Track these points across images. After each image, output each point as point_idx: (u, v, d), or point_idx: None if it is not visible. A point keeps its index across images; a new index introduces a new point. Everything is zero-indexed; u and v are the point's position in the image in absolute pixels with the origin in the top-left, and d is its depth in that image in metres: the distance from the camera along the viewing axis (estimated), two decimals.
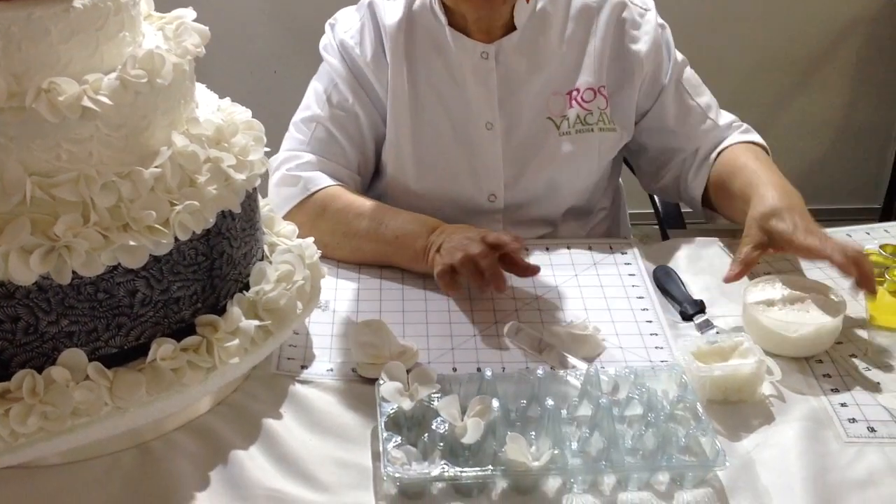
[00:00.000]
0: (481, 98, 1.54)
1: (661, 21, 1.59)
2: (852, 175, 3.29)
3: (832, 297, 1.28)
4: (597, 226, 1.67)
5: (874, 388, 1.18)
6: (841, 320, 1.25)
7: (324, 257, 1.36)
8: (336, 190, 1.51)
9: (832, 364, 1.22)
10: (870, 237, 1.51)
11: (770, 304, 1.28)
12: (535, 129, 1.56)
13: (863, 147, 3.25)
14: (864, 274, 1.25)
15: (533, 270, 1.36)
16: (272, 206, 1.42)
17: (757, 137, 1.59)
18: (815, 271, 1.41)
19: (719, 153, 1.55)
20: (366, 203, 1.49)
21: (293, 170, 1.52)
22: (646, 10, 1.58)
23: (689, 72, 1.61)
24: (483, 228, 1.39)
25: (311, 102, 1.58)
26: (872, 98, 3.18)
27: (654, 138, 1.61)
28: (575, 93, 1.55)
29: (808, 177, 3.26)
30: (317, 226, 1.45)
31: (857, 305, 1.30)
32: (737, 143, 1.56)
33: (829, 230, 1.52)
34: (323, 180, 1.52)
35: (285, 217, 1.47)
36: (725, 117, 1.61)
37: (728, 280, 1.32)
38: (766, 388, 1.17)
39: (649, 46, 1.55)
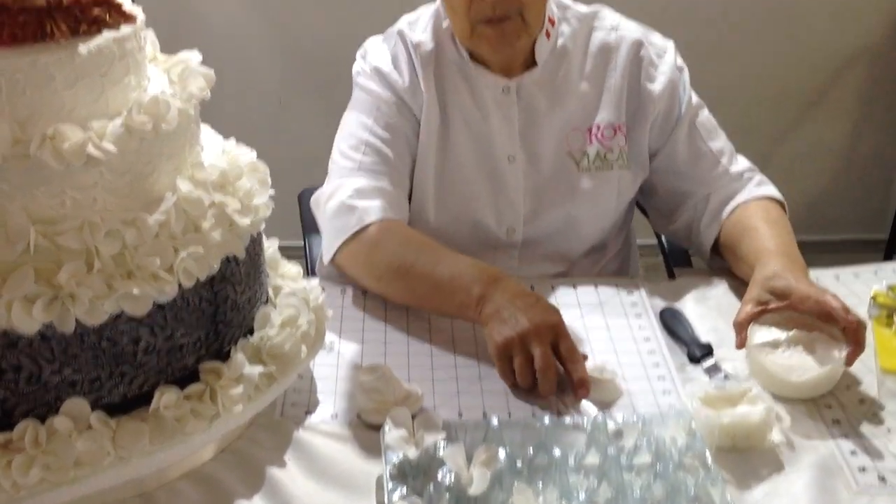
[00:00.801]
0: (503, 131, 1.55)
1: (680, 63, 1.58)
2: (858, 206, 3.28)
3: (837, 336, 1.26)
4: (608, 263, 1.67)
5: (884, 435, 1.17)
6: (844, 362, 1.23)
7: (367, 293, 1.39)
8: (394, 224, 1.47)
9: (841, 409, 1.21)
10: (877, 277, 1.50)
11: (775, 345, 1.27)
12: (556, 164, 1.56)
13: (868, 178, 3.25)
14: (857, 342, 1.22)
15: (582, 390, 1.23)
16: (325, 238, 1.42)
17: (773, 191, 1.56)
18: None
19: (733, 210, 1.52)
20: (424, 239, 1.45)
21: (347, 200, 1.47)
22: (664, 50, 1.58)
23: (704, 115, 1.60)
24: (549, 311, 1.30)
25: (355, 129, 1.55)
26: (877, 128, 3.18)
27: (665, 180, 1.60)
28: (595, 129, 1.56)
29: (814, 208, 3.26)
30: (371, 259, 1.43)
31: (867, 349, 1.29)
32: (752, 198, 1.53)
33: (836, 271, 1.52)
34: (379, 212, 1.46)
35: (339, 249, 1.45)
36: (740, 164, 1.58)
37: (738, 347, 1.29)
38: (776, 435, 1.15)
39: (664, 86, 1.55)
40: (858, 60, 3.07)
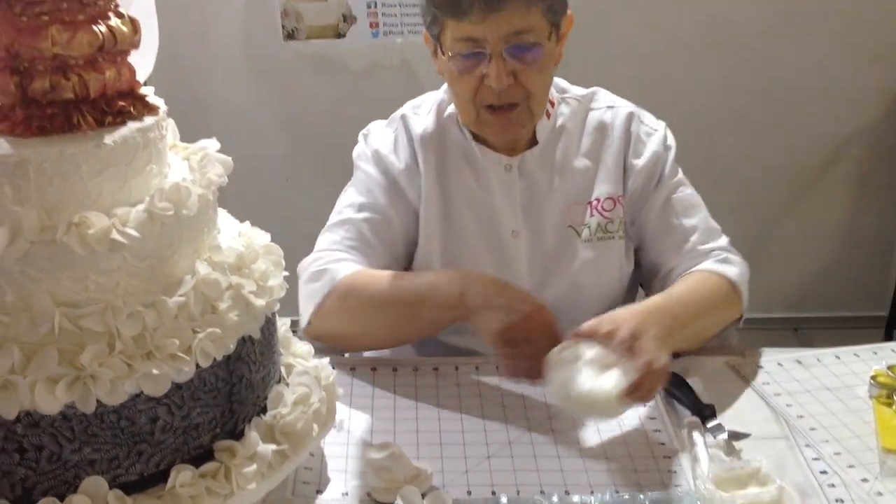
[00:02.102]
0: (507, 207, 1.60)
1: (669, 142, 1.65)
2: (858, 283, 3.32)
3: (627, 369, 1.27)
4: None
5: None
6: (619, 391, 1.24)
7: (356, 349, 1.44)
8: (360, 272, 1.53)
9: (844, 488, 1.22)
10: (877, 357, 1.52)
11: (573, 360, 1.30)
12: (558, 237, 1.61)
13: (868, 255, 3.29)
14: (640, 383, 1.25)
15: None
16: (301, 305, 1.45)
17: (728, 269, 1.55)
18: None
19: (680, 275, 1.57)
20: (388, 272, 1.53)
21: (321, 265, 1.54)
22: (654, 130, 1.65)
23: (685, 193, 1.64)
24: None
25: (344, 207, 1.62)
26: (876, 207, 3.24)
27: (640, 251, 1.66)
28: (595, 202, 1.61)
29: (814, 285, 3.29)
30: (346, 307, 1.48)
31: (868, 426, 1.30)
32: (698, 269, 1.55)
33: (836, 350, 1.54)
34: (349, 268, 1.53)
35: (315, 312, 1.50)
36: (713, 244, 1.60)
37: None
38: None
39: (646, 161, 1.61)
40: (856, 140, 3.14)
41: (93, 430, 1.03)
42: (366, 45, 2.97)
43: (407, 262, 1.65)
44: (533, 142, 1.61)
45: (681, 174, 1.66)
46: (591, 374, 1.27)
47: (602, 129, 1.63)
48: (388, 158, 1.62)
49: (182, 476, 1.08)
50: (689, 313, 1.44)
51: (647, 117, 1.67)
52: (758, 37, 2.99)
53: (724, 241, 1.62)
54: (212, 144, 1.24)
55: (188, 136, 1.27)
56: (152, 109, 1.14)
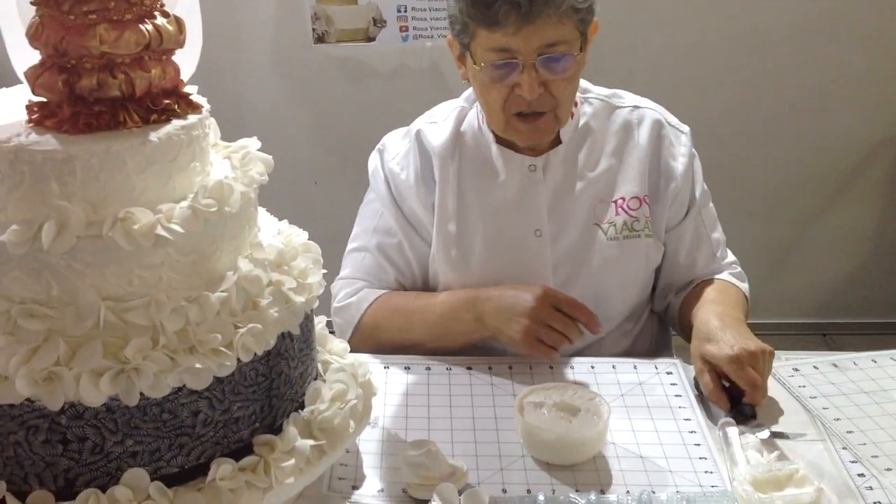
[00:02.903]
0: (530, 208, 1.61)
1: (693, 150, 1.66)
2: (887, 289, 3.29)
3: (595, 416, 1.30)
4: (643, 332, 1.71)
5: None
6: (588, 436, 1.28)
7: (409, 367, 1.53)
8: (381, 301, 1.62)
9: (882, 491, 1.22)
10: (894, 362, 1.52)
11: (540, 405, 1.33)
12: (583, 235, 1.62)
13: None
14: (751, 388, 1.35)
15: (595, 326, 1.49)
16: (337, 332, 1.55)
17: (743, 285, 1.67)
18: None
19: (696, 284, 1.64)
20: (406, 301, 1.62)
21: (343, 300, 1.66)
22: (682, 132, 1.66)
23: (710, 206, 1.69)
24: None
25: (360, 232, 1.70)
26: None
27: (667, 257, 1.67)
28: (620, 201, 1.62)
29: (843, 290, 3.27)
30: (376, 341, 1.59)
31: None
32: (723, 279, 1.64)
33: (872, 354, 1.54)
34: (369, 296, 1.62)
35: (349, 341, 1.56)
36: (729, 257, 1.71)
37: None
38: None
39: (685, 167, 1.63)
40: (886, 145, 3.12)
41: (135, 422, 1.04)
42: (395, 48, 2.98)
43: (423, 272, 1.68)
44: (556, 141, 1.62)
45: (704, 184, 1.69)
46: (559, 419, 1.31)
47: (627, 128, 1.64)
48: (398, 177, 1.65)
49: (222, 469, 1.09)
50: (734, 309, 1.54)
51: (673, 119, 1.68)
52: (785, 41, 2.98)
53: (730, 253, 1.72)
54: (253, 143, 1.26)
55: (220, 138, 1.28)
56: (196, 108, 1.16)
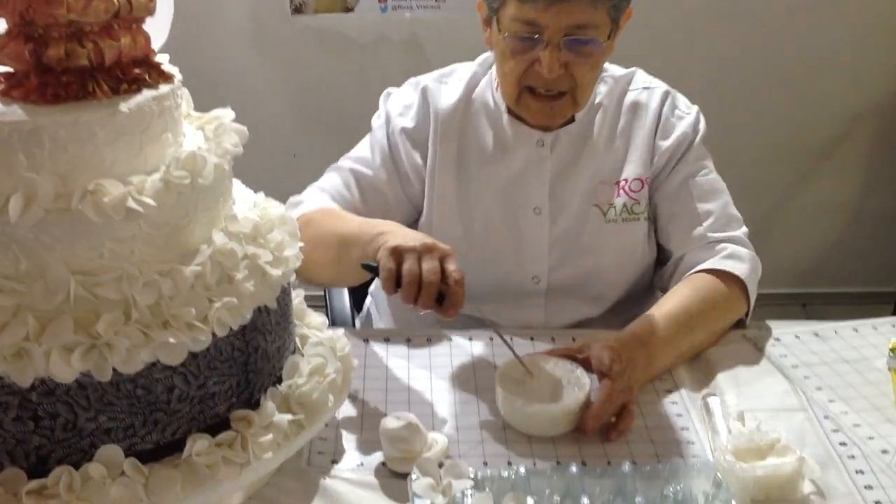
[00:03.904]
0: (533, 184, 1.58)
1: (699, 126, 1.62)
2: (867, 259, 3.31)
3: (577, 388, 1.29)
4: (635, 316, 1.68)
5: None
6: (569, 408, 1.26)
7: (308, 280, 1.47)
8: (327, 209, 1.56)
9: (864, 460, 1.22)
10: (877, 331, 1.52)
11: (519, 378, 1.31)
12: (582, 215, 1.59)
13: (877, 232, 3.28)
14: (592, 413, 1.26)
15: (452, 310, 1.27)
16: None
17: (735, 266, 1.51)
18: None
19: (687, 276, 1.54)
20: (348, 215, 1.54)
21: (301, 197, 1.61)
22: (686, 113, 1.62)
23: (706, 177, 1.61)
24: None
25: (347, 155, 1.66)
26: (885, 183, 3.22)
27: (657, 231, 1.63)
28: (623, 183, 1.59)
29: (823, 261, 3.28)
30: (302, 237, 1.45)
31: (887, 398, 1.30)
32: (706, 269, 1.52)
33: (854, 323, 1.54)
34: (324, 203, 1.58)
35: None
36: (725, 232, 1.56)
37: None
38: (806, 486, 1.16)
39: (671, 142, 1.59)
40: (867, 116, 3.12)
41: (108, 398, 1.02)
42: (374, 19, 2.94)
43: (387, 217, 1.58)
44: (569, 119, 1.59)
45: (706, 159, 1.63)
46: (539, 392, 1.29)
47: (636, 109, 1.62)
48: (394, 120, 1.63)
49: (198, 445, 1.07)
50: (684, 331, 1.43)
51: (682, 101, 1.65)
52: (768, 12, 2.96)
53: (740, 231, 1.58)
54: (226, 114, 1.23)
55: (196, 109, 1.26)
56: (167, 77, 1.13)
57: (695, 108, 1.65)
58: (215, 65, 2.97)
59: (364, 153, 1.66)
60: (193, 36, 2.88)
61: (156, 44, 1.14)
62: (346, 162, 1.66)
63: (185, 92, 1.20)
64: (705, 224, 1.57)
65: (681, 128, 1.60)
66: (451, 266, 1.27)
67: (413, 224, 1.62)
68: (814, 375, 1.40)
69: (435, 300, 1.26)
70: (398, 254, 1.28)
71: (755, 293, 1.53)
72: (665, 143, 1.59)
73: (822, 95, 3.08)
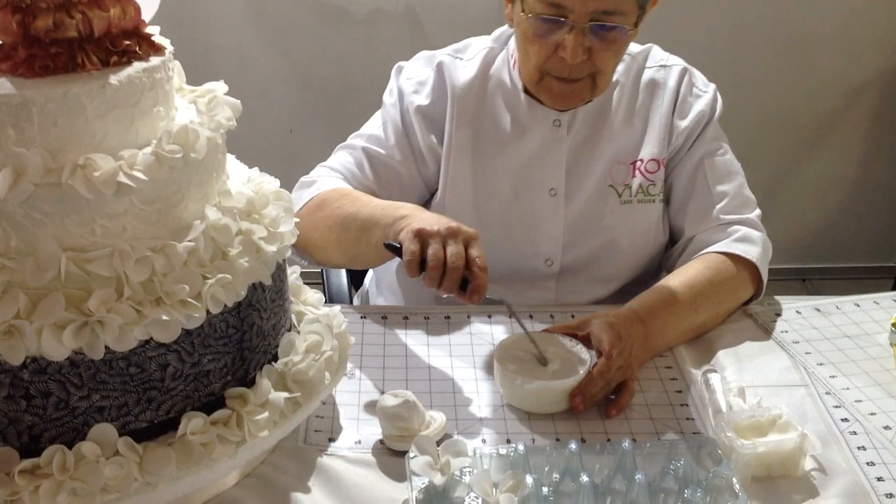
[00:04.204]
0: (549, 165, 1.56)
1: (716, 105, 1.58)
2: (867, 234, 3.29)
3: (576, 365, 1.28)
4: None
5: None
6: (569, 385, 1.25)
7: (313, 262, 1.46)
8: (342, 189, 1.52)
9: (866, 436, 1.21)
10: (879, 306, 1.50)
11: (519, 355, 1.30)
12: (597, 196, 1.56)
13: (877, 206, 3.26)
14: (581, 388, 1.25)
15: (475, 297, 1.24)
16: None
17: (747, 249, 1.48)
18: None
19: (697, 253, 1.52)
20: (363, 196, 1.50)
21: (313, 177, 1.58)
22: (703, 92, 1.59)
23: (722, 158, 1.58)
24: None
25: (358, 134, 1.63)
26: (886, 157, 3.20)
27: (669, 212, 1.60)
28: (639, 163, 1.56)
29: (823, 235, 3.27)
30: (316, 217, 1.48)
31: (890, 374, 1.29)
32: (716, 251, 1.49)
33: (855, 298, 1.52)
34: (336, 183, 1.54)
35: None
36: (739, 214, 1.53)
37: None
38: (808, 463, 1.15)
39: (688, 123, 1.56)
40: (868, 90, 3.09)
41: (101, 376, 1.01)
42: None
43: (401, 197, 1.56)
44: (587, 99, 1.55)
45: (723, 139, 1.60)
46: (539, 369, 1.28)
47: (653, 87, 1.58)
48: (408, 98, 1.59)
49: (193, 423, 1.06)
50: (686, 310, 1.41)
51: (699, 78, 1.61)
52: None
53: (753, 214, 1.55)
54: (220, 87, 1.20)
55: (188, 83, 1.23)
56: (158, 49, 1.11)
57: (712, 85, 1.61)
58: (208, 37, 2.93)
59: (377, 131, 1.61)
60: (185, 7, 2.85)
61: (146, 14, 1.11)
62: (357, 140, 1.61)
63: (176, 64, 1.17)
64: (719, 206, 1.54)
65: (698, 106, 1.57)
66: (475, 251, 1.25)
67: (426, 204, 1.59)
68: (815, 351, 1.39)
69: (458, 285, 1.24)
70: (423, 237, 1.25)
71: (766, 276, 1.50)
72: (683, 123, 1.56)
73: (821, 69, 3.05)
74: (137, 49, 1.07)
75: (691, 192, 1.56)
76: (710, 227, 1.53)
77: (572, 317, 1.50)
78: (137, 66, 1.06)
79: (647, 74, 1.59)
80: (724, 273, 1.46)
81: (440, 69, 1.58)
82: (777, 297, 1.54)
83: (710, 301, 1.44)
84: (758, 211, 1.56)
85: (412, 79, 1.60)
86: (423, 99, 1.57)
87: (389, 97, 1.62)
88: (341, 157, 1.61)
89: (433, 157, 1.58)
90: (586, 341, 1.34)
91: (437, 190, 1.59)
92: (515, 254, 1.58)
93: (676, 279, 1.45)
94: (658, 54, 1.62)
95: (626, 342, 1.30)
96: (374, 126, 1.62)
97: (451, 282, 1.23)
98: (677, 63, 1.61)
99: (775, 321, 1.47)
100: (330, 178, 1.57)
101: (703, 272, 1.45)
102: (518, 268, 1.58)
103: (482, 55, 1.59)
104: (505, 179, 1.56)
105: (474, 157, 1.56)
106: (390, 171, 1.58)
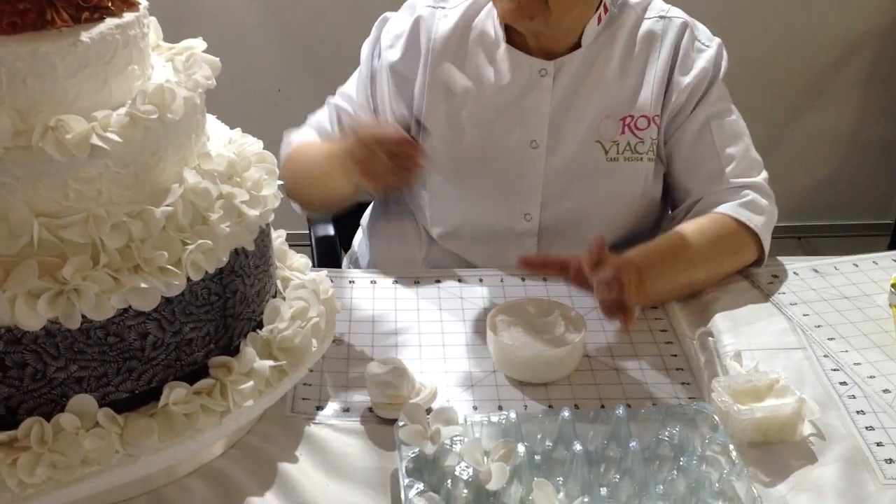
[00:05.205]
0: (531, 116, 1.50)
1: (721, 62, 1.52)
2: (864, 190, 3.26)
3: (572, 332, 1.26)
4: None
5: None
6: (563, 354, 1.22)
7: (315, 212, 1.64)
8: (312, 141, 1.59)
9: (865, 400, 1.18)
10: (878, 266, 1.47)
11: (512, 322, 1.28)
12: (582, 150, 1.51)
13: (874, 163, 3.23)
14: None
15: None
16: None
17: (751, 217, 1.45)
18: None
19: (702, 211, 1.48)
20: (313, 144, 1.58)
21: (291, 134, 1.63)
22: (706, 46, 1.52)
23: (729, 119, 1.52)
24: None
25: (340, 89, 1.64)
26: (883, 113, 3.15)
27: (670, 173, 1.56)
28: (629, 119, 1.50)
29: (819, 192, 3.24)
30: (291, 168, 1.55)
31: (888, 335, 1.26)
32: (720, 212, 1.45)
33: (854, 258, 1.49)
34: (306, 136, 1.61)
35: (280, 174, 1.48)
36: (746, 178, 1.49)
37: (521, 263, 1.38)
38: (806, 428, 1.13)
39: (691, 80, 1.50)
40: (864, 45, 3.04)
41: (79, 346, 0.98)
42: None
43: None
44: (576, 46, 1.49)
45: (727, 99, 1.54)
46: (533, 337, 1.25)
47: (651, 39, 1.51)
48: (384, 54, 1.55)
49: (175, 393, 1.03)
50: (683, 264, 1.39)
51: (702, 31, 1.54)
52: None
53: (760, 177, 1.51)
54: (198, 44, 1.16)
55: (169, 41, 1.19)
56: (132, 5, 1.06)
57: (716, 40, 1.54)
58: None
59: (350, 89, 1.61)
60: None
61: None
62: (335, 97, 1.62)
63: (152, 21, 1.13)
64: (727, 169, 1.49)
65: (701, 62, 1.50)
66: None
67: None
68: (813, 313, 1.36)
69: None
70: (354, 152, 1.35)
71: (769, 243, 1.47)
72: (685, 79, 1.49)
73: (816, 23, 2.99)
74: (110, 5, 1.03)
75: (697, 153, 1.51)
76: (717, 190, 1.48)
77: (544, 280, 1.47)
78: (110, 22, 1.01)
79: (646, 25, 1.52)
80: (727, 235, 1.43)
81: (416, 24, 1.54)
82: (774, 259, 1.51)
83: (710, 260, 1.41)
84: (765, 173, 1.52)
85: (391, 32, 1.56)
86: (396, 53, 1.54)
87: (365, 50, 1.60)
88: (320, 113, 1.63)
89: (400, 116, 1.53)
90: (578, 281, 1.34)
91: None
92: (492, 207, 1.54)
93: (678, 234, 1.42)
94: (658, 4, 1.55)
95: (620, 262, 1.30)
96: (350, 83, 1.62)
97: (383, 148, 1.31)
98: (678, 15, 1.54)
99: (773, 283, 1.44)
100: (303, 133, 1.62)
101: (707, 231, 1.43)
102: (496, 223, 1.55)
103: (465, 5, 1.54)
104: (483, 131, 1.52)
105: (449, 109, 1.50)
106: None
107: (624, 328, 1.29)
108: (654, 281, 1.34)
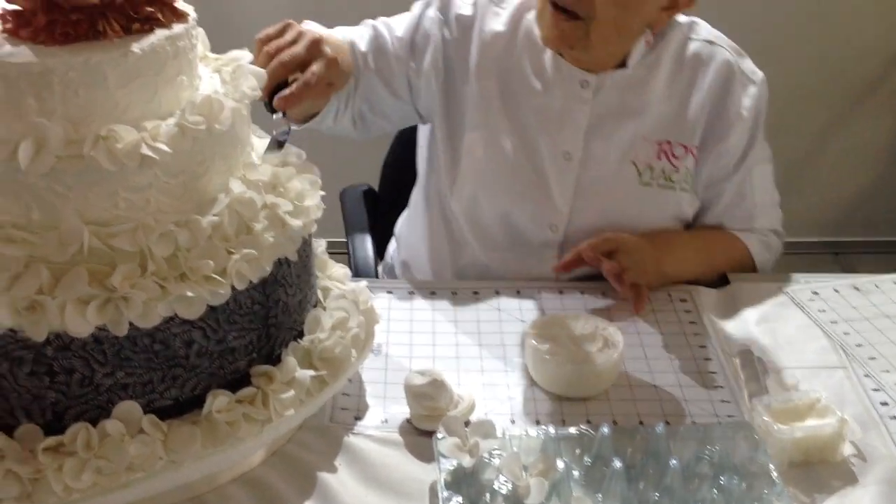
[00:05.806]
0: (568, 127, 1.49)
1: (761, 104, 1.51)
2: None
3: (610, 347, 1.25)
4: None
5: None
6: (600, 368, 1.22)
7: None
8: None
9: None
10: None
11: (550, 336, 1.27)
12: (616, 169, 1.50)
13: None
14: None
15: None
16: None
17: (761, 254, 1.56)
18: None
19: None
20: None
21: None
22: (752, 82, 1.51)
23: (769, 168, 1.55)
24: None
25: (386, 19, 1.58)
26: None
27: (700, 210, 1.57)
28: (666, 145, 1.49)
29: (855, 209, 3.20)
30: None
31: None
32: (739, 237, 1.57)
33: (880, 277, 1.49)
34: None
35: None
36: (772, 223, 1.60)
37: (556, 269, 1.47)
38: (847, 448, 1.12)
39: (745, 123, 1.49)
40: None
41: (125, 353, 0.99)
42: None
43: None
44: (620, 65, 1.48)
45: (765, 144, 1.54)
46: (571, 351, 1.24)
47: (696, 65, 1.49)
48: (442, 30, 1.53)
49: (218, 401, 1.04)
50: (696, 242, 1.53)
51: (748, 63, 1.52)
52: None
53: (779, 224, 1.61)
54: (244, 55, 1.17)
55: (214, 51, 1.20)
56: (181, 16, 1.07)
57: (760, 74, 1.52)
58: (233, 3, 2.89)
59: (396, 19, 1.57)
60: None
61: None
62: (377, 22, 1.57)
63: (200, 32, 1.14)
64: (759, 218, 1.57)
65: (748, 99, 1.49)
66: (315, 67, 1.25)
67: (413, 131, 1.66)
68: (854, 331, 1.35)
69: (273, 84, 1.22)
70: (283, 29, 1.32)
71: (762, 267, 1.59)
72: (731, 113, 1.48)
73: (855, 34, 2.96)
74: (160, 16, 1.04)
75: (738, 201, 1.54)
76: (741, 228, 1.57)
77: (560, 293, 1.47)
78: (160, 33, 1.02)
79: (693, 47, 1.50)
80: (736, 252, 1.56)
81: (475, 12, 1.53)
82: (813, 275, 1.50)
83: (719, 251, 1.55)
84: (779, 212, 1.62)
85: (453, 9, 1.53)
86: (467, 8, 1.53)
87: (418, 7, 1.56)
88: (355, 27, 1.58)
89: (428, 87, 1.53)
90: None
91: (421, 116, 1.59)
92: (519, 214, 1.53)
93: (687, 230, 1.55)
94: (704, 29, 1.53)
95: (627, 243, 1.41)
96: (399, 20, 1.57)
97: (272, 73, 1.21)
98: (725, 42, 1.52)
99: (813, 300, 1.43)
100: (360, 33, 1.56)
101: (715, 232, 1.56)
102: (521, 230, 1.54)
103: (514, 6, 1.52)
104: (518, 135, 1.51)
105: (490, 113, 1.50)
106: (383, 56, 1.53)
107: (635, 309, 1.41)
108: (669, 258, 1.45)
